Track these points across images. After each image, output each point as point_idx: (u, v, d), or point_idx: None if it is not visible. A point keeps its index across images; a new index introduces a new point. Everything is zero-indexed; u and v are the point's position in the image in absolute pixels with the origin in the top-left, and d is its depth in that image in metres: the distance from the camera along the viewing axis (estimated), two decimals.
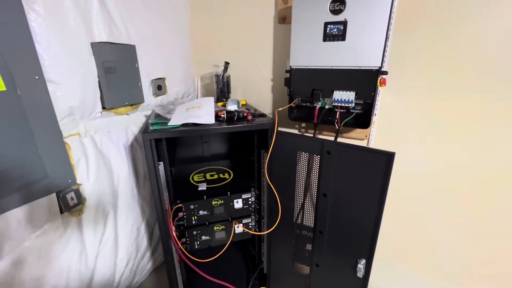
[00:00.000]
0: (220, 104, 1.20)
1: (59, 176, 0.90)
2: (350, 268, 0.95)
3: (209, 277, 1.08)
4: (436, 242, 1.23)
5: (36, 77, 0.80)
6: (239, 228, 1.15)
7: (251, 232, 1.16)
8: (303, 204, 1.06)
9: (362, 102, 1.02)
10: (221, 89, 1.31)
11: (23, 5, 0.74)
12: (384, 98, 1.15)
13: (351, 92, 1.00)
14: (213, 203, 1.09)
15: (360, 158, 0.84)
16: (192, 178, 1.25)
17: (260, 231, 1.21)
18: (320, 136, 1.27)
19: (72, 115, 0.94)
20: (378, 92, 1.07)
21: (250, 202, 1.14)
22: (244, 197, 1.12)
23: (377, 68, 0.94)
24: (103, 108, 1.05)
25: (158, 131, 0.88)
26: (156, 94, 1.28)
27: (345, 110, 1.04)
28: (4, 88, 0.73)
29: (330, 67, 1.01)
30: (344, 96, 1.01)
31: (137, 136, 1.23)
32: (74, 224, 0.99)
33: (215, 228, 1.12)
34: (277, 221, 1.01)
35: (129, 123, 1.20)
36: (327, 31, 0.97)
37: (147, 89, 1.22)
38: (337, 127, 1.06)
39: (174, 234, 1.04)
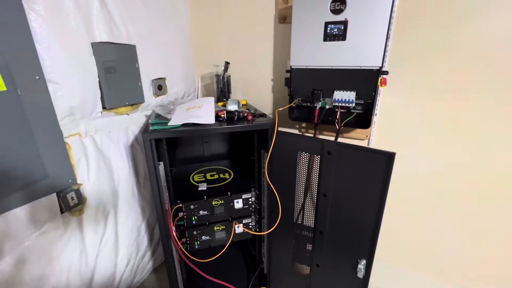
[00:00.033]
0: (220, 104, 1.20)
1: (60, 176, 0.91)
2: (350, 269, 0.95)
3: (209, 277, 1.08)
4: (436, 242, 1.23)
5: (37, 77, 0.80)
6: (239, 228, 1.15)
7: (251, 232, 1.16)
8: (303, 204, 1.06)
9: (363, 102, 1.01)
10: (222, 89, 1.31)
11: (23, 5, 0.74)
12: (384, 98, 1.15)
13: (352, 92, 1.00)
14: (213, 203, 1.09)
15: (361, 158, 0.84)
16: (193, 178, 1.25)
17: (260, 231, 1.21)
18: (321, 136, 1.27)
19: (72, 115, 0.94)
20: (378, 92, 1.06)
21: (250, 202, 1.14)
22: (244, 197, 1.12)
23: (377, 68, 0.94)
24: (104, 108, 1.05)
25: (158, 131, 0.88)
26: (156, 94, 1.28)
27: (345, 110, 1.04)
28: (4, 88, 0.73)
29: (330, 67, 1.01)
30: (345, 96, 1.01)
31: (138, 136, 1.23)
32: (74, 224, 0.99)
33: (215, 228, 1.12)
34: (277, 221, 1.00)
35: (130, 123, 1.20)
36: (328, 31, 0.97)
37: (147, 89, 1.22)
38: (338, 127, 1.05)
39: (174, 234, 1.04)
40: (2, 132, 0.74)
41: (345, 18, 0.93)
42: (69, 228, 0.97)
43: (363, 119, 1.04)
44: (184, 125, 0.91)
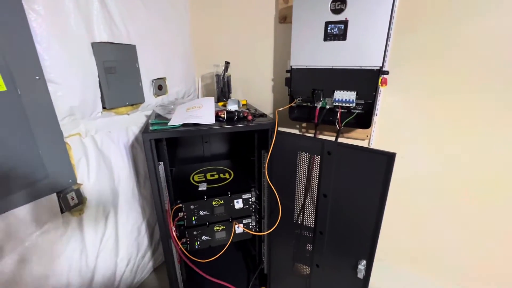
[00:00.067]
0: (220, 104, 1.20)
1: (60, 176, 0.91)
2: (350, 269, 0.95)
3: (209, 277, 1.08)
4: (436, 242, 1.23)
5: (37, 77, 0.80)
6: (239, 228, 1.15)
7: (251, 232, 1.16)
8: (303, 205, 1.06)
9: (363, 102, 1.01)
10: (222, 89, 1.31)
11: (23, 5, 0.74)
12: (385, 98, 1.15)
13: (352, 92, 1.00)
14: (214, 203, 1.09)
15: (361, 159, 0.84)
16: (193, 178, 1.25)
17: (260, 231, 1.21)
18: (321, 136, 1.27)
19: (72, 115, 0.94)
20: (379, 92, 1.06)
21: (250, 202, 1.14)
22: (244, 197, 1.12)
23: (378, 68, 0.93)
24: (104, 108, 1.05)
25: (158, 131, 0.88)
26: (156, 94, 1.28)
27: (346, 110, 1.04)
28: (4, 88, 0.73)
29: (331, 67, 1.01)
30: (345, 96, 1.00)
31: (138, 136, 1.23)
32: (74, 223, 0.99)
33: (215, 228, 1.13)
34: (277, 221, 1.00)
35: (130, 123, 1.20)
36: (328, 31, 0.97)
37: (147, 89, 1.22)
38: (338, 127, 1.05)
39: (174, 234, 1.04)
40: (2, 132, 0.75)
41: (346, 18, 0.93)
42: (69, 228, 0.97)
43: (364, 119, 1.04)
44: (184, 125, 0.91)
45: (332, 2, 0.94)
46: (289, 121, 1.21)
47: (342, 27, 0.94)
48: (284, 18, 1.24)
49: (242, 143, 1.46)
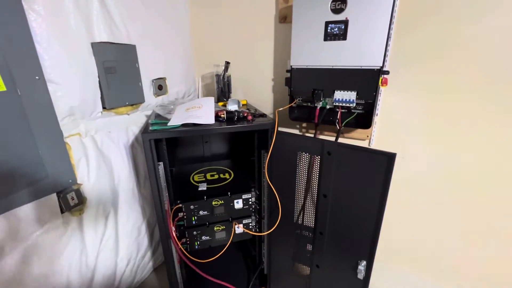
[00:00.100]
0: (220, 104, 1.20)
1: (60, 176, 0.91)
2: (350, 269, 0.95)
3: (209, 277, 1.08)
4: (436, 242, 1.23)
5: (37, 77, 0.80)
6: (239, 229, 1.15)
7: (251, 232, 1.16)
8: (303, 205, 1.06)
9: (364, 102, 1.01)
10: (222, 89, 1.31)
11: (23, 5, 0.74)
12: (385, 98, 1.15)
13: (352, 92, 0.99)
14: (213, 203, 1.09)
15: (361, 159, 0.83)
16: (193, 178, 1.25)
17: (260, 231, 1.21)
18: (321, 137, 1.27)
19: (72, 115, 0.94)
20: (379, 92, 1.06)
21: (250, 203, 1.14)
22: (244, 197, 1.12)
23: (378, 67, 0.93)
24: (104, 108, 1.05)
25: (158, 131, 0.88)
26: (156, 94, 1.28)
27: (346, 110, 1.04)
28: (4, 89, 0.73)
29: (331, 67, 1.01)
30: (345, 96, 1.00)
31: (138, 136, 1.23)
32: (74, 223, 0.99)
33: (215, 228, 1.12)
34: (277, 221, 1.00)
35: (130, 123, 1.20)
36: (328, 30, 0.97)
37: (147, 89, 1.22)
38: (338, 127, 1.05)
39: (174, 234, 1.04)
40: (3, 132, 0.74)
41: (346, 18, 0.93)
42: (69, 228, 0.97)
43: (364, 119, 1.04)
44: (184, 125, 0.91)
45: (332, 1, 0.94)
46: (289, 121, 1.21)
47: (342, 27, 0.94)
48: (284, 18, 1.24)
49: (242, 143, 1.46)
